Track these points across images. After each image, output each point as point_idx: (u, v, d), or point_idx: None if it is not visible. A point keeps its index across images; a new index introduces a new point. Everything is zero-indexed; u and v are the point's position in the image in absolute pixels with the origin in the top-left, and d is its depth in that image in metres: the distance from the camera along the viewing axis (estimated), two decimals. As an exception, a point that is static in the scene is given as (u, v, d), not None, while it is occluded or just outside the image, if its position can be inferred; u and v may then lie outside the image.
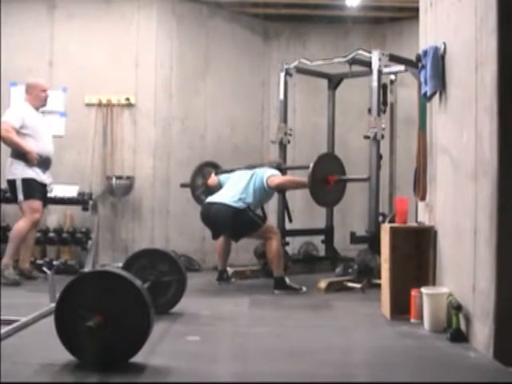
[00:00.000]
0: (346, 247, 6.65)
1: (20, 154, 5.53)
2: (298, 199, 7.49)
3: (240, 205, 5.39)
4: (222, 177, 5.91)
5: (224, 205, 5.39)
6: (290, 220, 6.16)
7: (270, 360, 3.31)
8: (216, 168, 6.27)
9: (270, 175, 5.54)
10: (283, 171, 5.99)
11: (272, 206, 6.63)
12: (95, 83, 6.73)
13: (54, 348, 3.04)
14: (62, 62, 6.72)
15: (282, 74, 6.63)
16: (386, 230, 4.43)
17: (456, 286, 3.83)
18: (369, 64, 5.89)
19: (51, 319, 3.10)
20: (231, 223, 5.40)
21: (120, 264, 4.66)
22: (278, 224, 6.35)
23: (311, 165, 5.35)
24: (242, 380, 2.97)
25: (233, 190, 5.52)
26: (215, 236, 5.70)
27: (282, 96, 6.64)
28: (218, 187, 5.80)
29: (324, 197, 5.56)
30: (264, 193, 5.56)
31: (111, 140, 6.72)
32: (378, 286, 4.73)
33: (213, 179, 6.01)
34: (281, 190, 5.90)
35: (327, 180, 5.47)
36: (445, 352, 3.46)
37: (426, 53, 4.21)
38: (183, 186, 6.32)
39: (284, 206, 6.25)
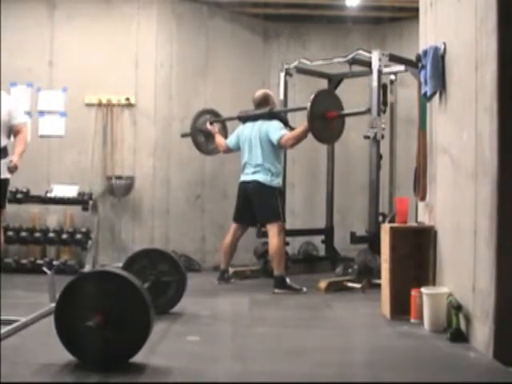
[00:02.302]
0: (346, 247, 6.64)
1: None
2: (298, 199, 7.50)
3: (274, 182, 5.61)
4: (229, 141, 5.98)
5: (259, 183, 5.60)
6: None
7: (270, 360, 3.31)
8: (215, 115, 6.34)
9: (279, 137, 5.55)
10: (281, 116, 5.86)
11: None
12: (95, 83, 6.72)
13: (54, 348, 3.04)
14: (62, 62, 6.72)
15: (282, 74, 6.63)
16: (385, 230, 4.43)
17: (456, 286, 3.83)
18: (369, 64, 5.88)
19: (51, 319, 3.10)
20: (261, 204, 5.58)
21: (120, 264, 4.66)
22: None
23: (309, 103, 5.27)
24: (242, 380, 2.97)
25: (256, 161, 5.64)
26: (237, 219, 5.79)
27: (282, 96, 6.63)
28: (228, 151, 6.04)
29: (324, 133, 5.48)
30: (275, 149, 5.65)
31: (111, 140, 6.72)
32: (378, 285, 4.73)
33: (221, 144, 6.08)
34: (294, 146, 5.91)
35: (326, 116, 5.38)
36: (445, 352, 3.46)
37: (426, 53, 4.21)
38: (184, 135, 6.40)
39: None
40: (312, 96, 5.31)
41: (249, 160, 5.72)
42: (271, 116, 5.73)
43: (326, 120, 5.37)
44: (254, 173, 5.65)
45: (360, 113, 5.71)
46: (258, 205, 5.63)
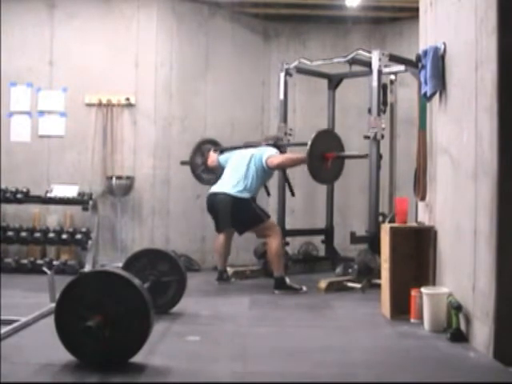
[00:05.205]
0: (346, 247, 6.64)
1: None
2: (298, 199, 7.49)
3: (244, 194, 5.46)
4: (222, 158, 5.95)
5: (228, 195, 5.47)
6: (293, 194, 6.02)
7: (270, 360, 3.31)
8: (215, 145, 6.32)
9: (268, 156, 5.56)
10: (281, 148, 5.93)
11: (272, 207, 6.63)
12: (95, 83, 6.72)
13: (54, 348, 3.04)
14: (62, 62, 6.71)
15: (282, 74, 6.62)
16: (385, 230, 4.43)
17: (456, 286, 3.83)
18: (369, 64, 5.88)
19: (51, 319, 3.11)
20: (235, 215, 5.47)
21: (120, 264, 4.66)
22: (277, 224, 6.36)
23: (309, 142, 5.32)
24: (242, 380, 2.97)
25: (234, 176, 5.56)
26: (219, 228, 5.73)
27: (281, 96, 6.63)
28: (218, 168, 5.89)
29: (322, 174, 5.53)
30: (264, 173, 5.62)
31: (111, 140, 6.71)
32: (378, 286, 4.73)
33: (212, 160, 6.07)
34: (281, 168, 5.93)
35: (325, 157, 5.44)
36: (445, 352, 3.46)
37: (425, 53, 4.21)
38: (183, 163, 6.38)
39: (285, 180, 6.13)
40: (313, 135, 5.36)
41: (228, 173, 5.65)
42: (272, 144, 5.82)
43: (324, 160, 5.43)
44: (225, 185, 5.56)
45: (359, 156, 5.75)
46: (235, 217, 5.51)
